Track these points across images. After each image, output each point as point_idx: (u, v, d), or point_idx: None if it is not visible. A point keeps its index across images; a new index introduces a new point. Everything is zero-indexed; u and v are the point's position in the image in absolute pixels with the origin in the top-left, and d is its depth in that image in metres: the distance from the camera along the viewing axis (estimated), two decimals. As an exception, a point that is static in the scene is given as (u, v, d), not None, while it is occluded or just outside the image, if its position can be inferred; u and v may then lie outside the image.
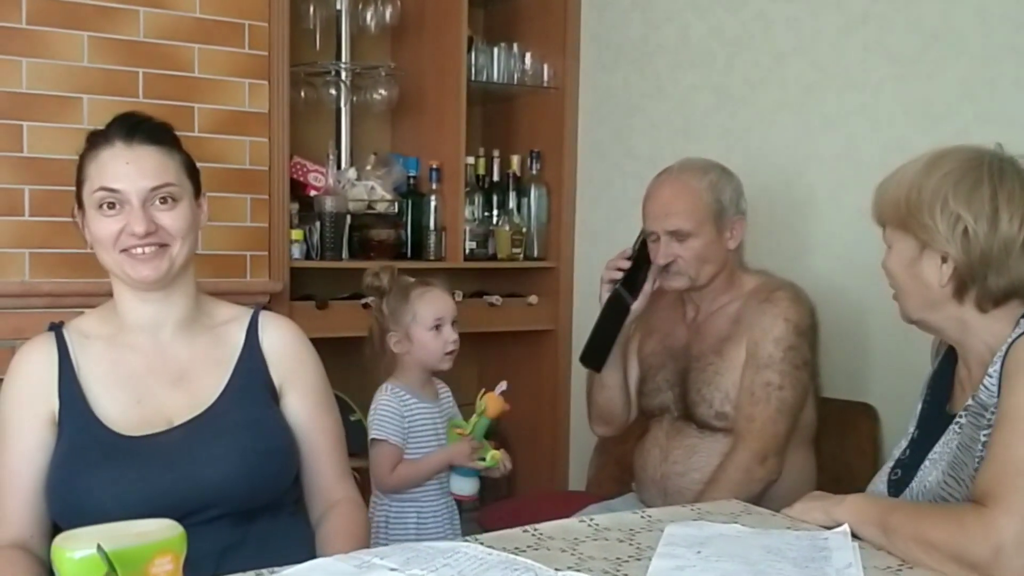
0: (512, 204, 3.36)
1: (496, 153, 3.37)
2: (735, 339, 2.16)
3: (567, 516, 2.15)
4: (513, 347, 3.54)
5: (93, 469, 1.53)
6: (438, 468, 2.27)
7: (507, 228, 3.30)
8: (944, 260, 1.47)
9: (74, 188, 1.62)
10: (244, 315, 1.72)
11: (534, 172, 3.38)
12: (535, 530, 1.46)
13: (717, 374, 2.16)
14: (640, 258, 2.23)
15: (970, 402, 1.49)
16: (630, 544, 1.41)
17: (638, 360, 2.39)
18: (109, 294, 1.68)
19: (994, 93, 2.21)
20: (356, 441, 2.46)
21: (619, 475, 2.53)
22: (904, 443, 1.65)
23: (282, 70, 2.84)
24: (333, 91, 3.18)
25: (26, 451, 1.57)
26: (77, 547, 0.65)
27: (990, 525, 1.26)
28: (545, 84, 3.38)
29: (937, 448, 1.54)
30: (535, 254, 3.39)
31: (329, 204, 3.00)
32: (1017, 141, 2.16)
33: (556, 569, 1.25)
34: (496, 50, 3.36)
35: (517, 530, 1.45)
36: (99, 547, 0.63)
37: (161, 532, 0.69)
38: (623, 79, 3.18)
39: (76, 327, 1.66)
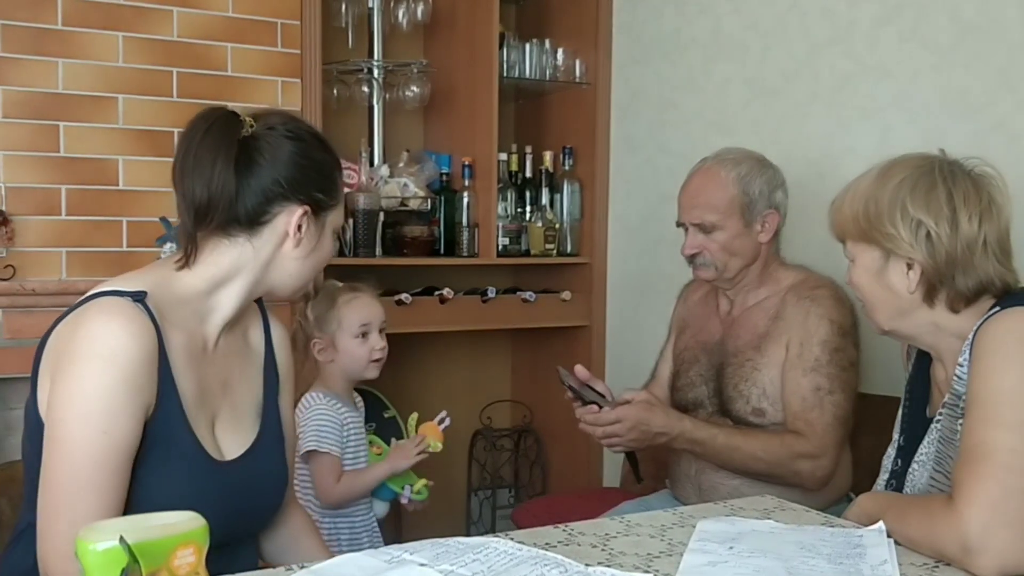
0: (545, 200, 3.35)
1: (529, 149, 3.37)
2: (774, 336, 2.14)
3: (601, 513, 2.17)
4: (546, 343, 3.53)
5: (178, 491, 1.40)
6: (382, 478, 2.20)
7: (540, 224, 3.29)
8: (910, 267, 1.49)
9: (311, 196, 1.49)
10: (255, 312, 1.62)
11: (567, 168, 3.37)
12: (566, 526, 1.45)
13: (755, 370, 2.14)
14: (575, 391, 2.12)
15: (947, 398, 1.50)
16: (661, 540, 1.40)
17: (672, 355, 2.37)
18: (83, 297, 1.45)
19: (1034, 82, 2.17)
20: (387, 436, 2.47)
21: (654, 471, 2.52)
22: (892, 452, 1.66)
23: (314, 68, 2.85)
24: (365, 89, 3.19)
25: (125, 445, 1.35)
26: (100, 539, 0.65)
27: (956, 518, 1.25)
28: (577, 79, 3.37)
29: (922, 450, 1.55)
30: (568, 250, 3.39)
31: (362, 201, 3.01)
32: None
33: (586, 564, 1.25)
34: (528, 46, 3.36)
35: (548, 527, 1.45)
36: (121, 539, 0.63)
37: (184, 524, 0.69)
38: (656, 73, 3.16)
39: (156, 307, 1.40)
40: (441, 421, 2.24)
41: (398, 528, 2.78)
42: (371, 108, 3.24)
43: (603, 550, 1.35)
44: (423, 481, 2.23)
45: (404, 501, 2.20)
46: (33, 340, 2.39)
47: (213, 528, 1.46)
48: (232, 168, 1.41)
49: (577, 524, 1.47)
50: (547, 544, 1.35)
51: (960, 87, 2.31)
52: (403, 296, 2.96)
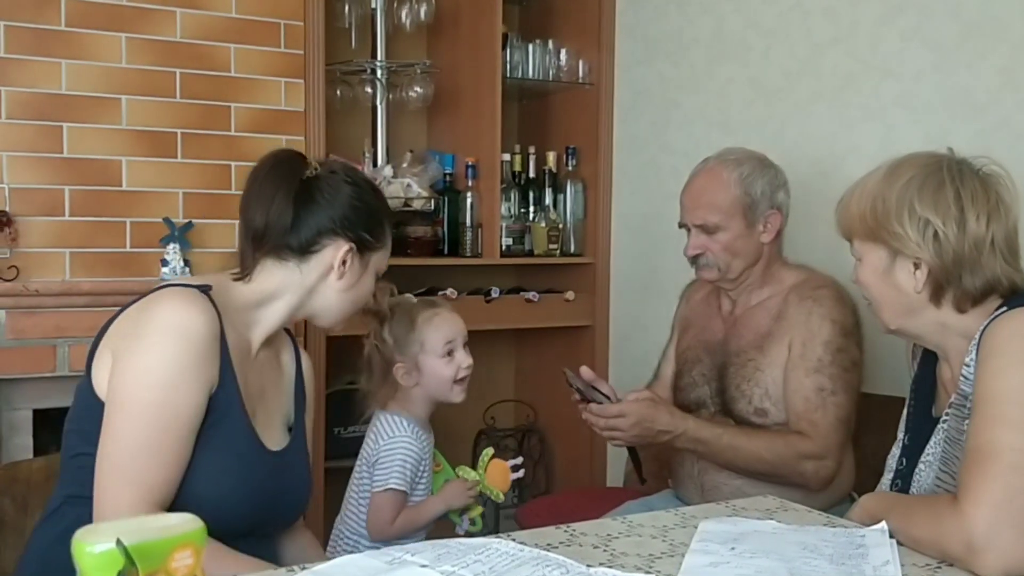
0: (549, 200, 3.35)
1: (532, 149, 3.37)
2: (776, 336, 2.13)
3: (604, 512, 2.17)
4: (550, 343, 3.53)
5: (233, 466, 1.51)
6: (436, 516, 2.06)
7: (544, 224, 3.29)
8: (917, 266, 1.49)
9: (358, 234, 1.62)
10: (287, 340, 1.75)
11: (570, 168, 3.37)
12: (568, 527, 1.45)
13: (758, 370, 2.14)
14: (582, 392, 2.12)
15: (953, 399, 1.49)
16: (663, 540, 1.40)
17: (675, 355, 2.37)
18: (147, 293, 1.56)
19: (1037, 81, 2.16)
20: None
21: (657, 471, 2.52)
22: (897, 452, 1.65)
23: (318, 69, 2.86)
24: (369, 89, 3.19)
25: (190, 418, 1.45)
26: (97, 540, 0.65)
27: (961, 518, 1.25)
28: (581, 80, 3.37)
29: (928, 450, 1.54)
30: (572, 250, 3.38)
31: (365, 202, 3.00)
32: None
33: (588, 565, 1.24)
34: (531, 46, 3.36)
35: (550, 527, 1.45)
36: (118, 541, 0.63)
37: (182, 526, 0.69)
38: (659, 73, 3.16)
39: (219, 301, 1.52)
40: (515, 468, 2.12)
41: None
42: (374, 108, 3.24)
43: (605, 551, 1.35)
44: (479, 510, 2.13)
45: (460, 532, 2.09)
46: (36, 340, 2.45)
47: (253, 513, 1.56)
48: (291, 201, 1.57)
49: (579, 524, 1.47)
50: (549, 545, 1.35)
51: (963, 86, 2.30)
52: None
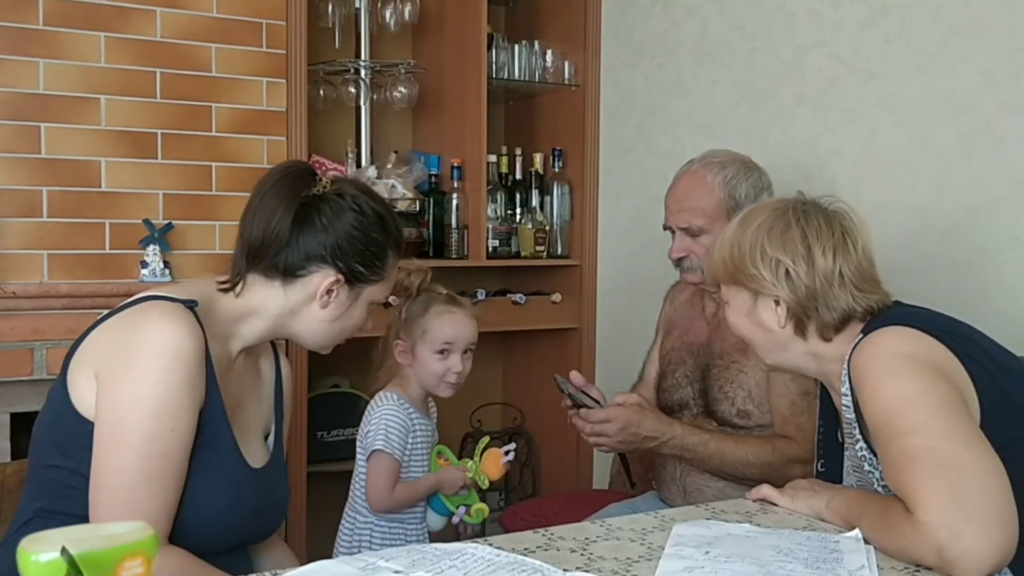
0: (535, 202, 3.34)
1: (519, 151, 3.36)
2: (759, 338, 2.13)
3: (587, 515, 2.16)
4: (537, 346, 3.52)
5: (222, 488, 1.49)
6: (429, 492, 2.12)
7: (530, 226, 3.28)
8: (777, 303, 1.58)
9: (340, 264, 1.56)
10: (265, 345, 1.69)
11: (557, 170, 3.37)
12: (546, 531, 1.44)
13: (741, 372, 2.14)
14: (573, 398, 2.13)
15: (844, 426, 1.58)
16: (642, 544, 1.39)
17: (659, 356, 2.37)
18: (126, 295, 1.56)
19: (1018, 84, 2.16)
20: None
21: (642, 473, 2.51)
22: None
23: (300, 69, 2.84)
24: (352, 89, 3.18)
25: (187, 442, 1.43)
26: (43, 550, 0.64)
27: (921, 530, 1.27)
28: (567, 81, 3.36)
29: (845, 479, 1.64)
30: (559, 252, 3.37)
31: (348, 203, 2.99)
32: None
33: (564, 570, 1.23)
34: (517, 47, 3.35)
35: (528, 531, 1.44)
36: (63, 550, 0.61)
37: (131, 534, 0.67)
38: (644, 75, 3.16)
39: (204, 315, 1.49)
40: (506, 453, 2.15)
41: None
42: (358, 109, 3.22)
43: (583, 555, 1.34)
44: (481, 506, 2.15)
45: (455, 521, 2.13)
46: (15, 344, 2.43)
47: (243, 529, 1.55)
48: (290, 220, 1.51)
49: (557, 528, 1.46)
50: (526, 549, 1.34)
51: (945, 89, 2.30)
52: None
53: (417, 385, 2.13)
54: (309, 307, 1.56)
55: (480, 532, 2.21)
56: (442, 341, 2.09)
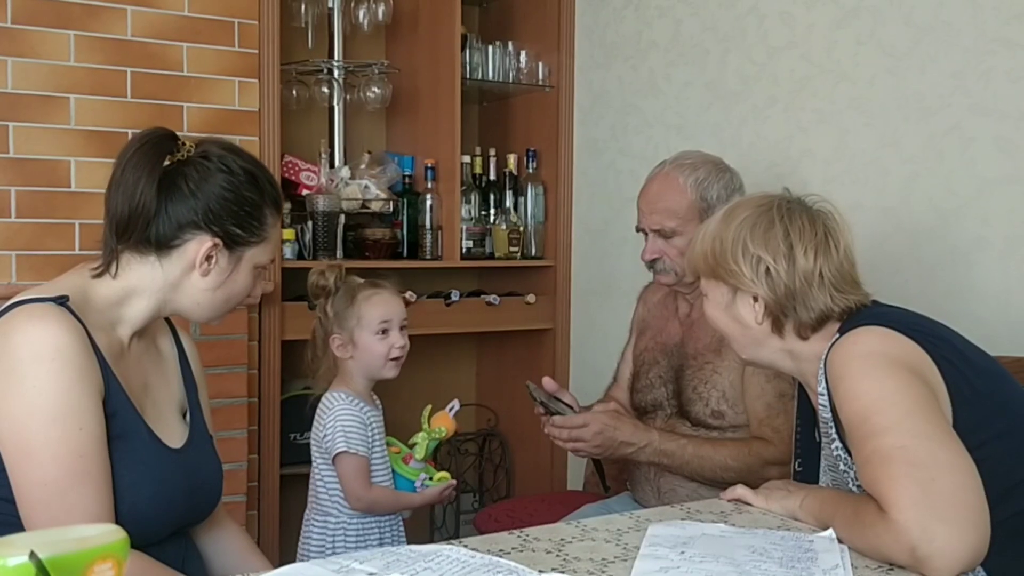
0: (509, 203, 3.34)
1: (492, 152, 3.36)
2: (733, 339, 2.14)
3: (563, 516, 2.16)
4: (511, 346, 3.52)
5: (144, 476, 1.45)
6: (415, 506, 2.19)
7: (504, 227, 3.28)
8: (755, 300, 1.59)
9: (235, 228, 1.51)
10: (160, 323, 1.64)
11: (531, 171, 3.37)
12: (521, 532, 1.44)
13: (715, 373, 2.14)
14: (546, 405, 2.14)
15: (821, 425, 1.59)
16: (617, 544, 1.39)
17: (632, 356, 2.37)
18: None
19: (987, 86, 2.18)
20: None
21: (616, 474, 2.51)
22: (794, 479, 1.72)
23: (272, 69, 2.82)
24: (325, 89, 3.17)
25: (100, 434, 1.39)
26: (11, 554, 0.63)
27: (895, 528, 1.27)
28: (540, 82, 3.36)
29: (822, 478, 1.64)
30: (533, 253, 3.37)
31: (321, 203, 2.98)
32: (1010, 134, 2.15)
33: (540, 571, 1.23)
34: (491, 48, 3.35)
35: (503, 533, 1.43)
36: (32, 553, 0.60)
37: (101, 537, 0.66)
38: (617, 77, 3.16)
39: (79, 308, 1.43)
40: (451, 408, 2.23)
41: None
42: (331, 109, 3.21)
43: (558, 556, 1.34)
44: (443, 474, 2.21)
45: (417, 486, 2.19)
46: None
47: (176, 514, 1.51)
48: (154, 189, 1.44)
49: (532, 529, 1.46)
50: (501, 551, 1.33)
51: (915, 90, 2.32)
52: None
53: (360, 378, 2.18)
54: (189, 277, 1.49)
55: (448, 535, 2.23)
56: (379, 320, 2.14)
